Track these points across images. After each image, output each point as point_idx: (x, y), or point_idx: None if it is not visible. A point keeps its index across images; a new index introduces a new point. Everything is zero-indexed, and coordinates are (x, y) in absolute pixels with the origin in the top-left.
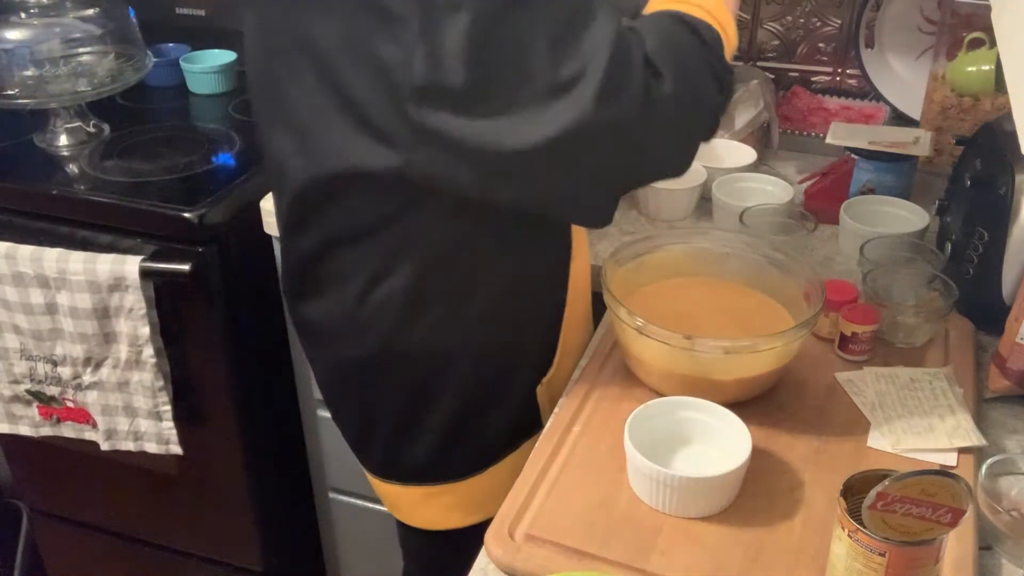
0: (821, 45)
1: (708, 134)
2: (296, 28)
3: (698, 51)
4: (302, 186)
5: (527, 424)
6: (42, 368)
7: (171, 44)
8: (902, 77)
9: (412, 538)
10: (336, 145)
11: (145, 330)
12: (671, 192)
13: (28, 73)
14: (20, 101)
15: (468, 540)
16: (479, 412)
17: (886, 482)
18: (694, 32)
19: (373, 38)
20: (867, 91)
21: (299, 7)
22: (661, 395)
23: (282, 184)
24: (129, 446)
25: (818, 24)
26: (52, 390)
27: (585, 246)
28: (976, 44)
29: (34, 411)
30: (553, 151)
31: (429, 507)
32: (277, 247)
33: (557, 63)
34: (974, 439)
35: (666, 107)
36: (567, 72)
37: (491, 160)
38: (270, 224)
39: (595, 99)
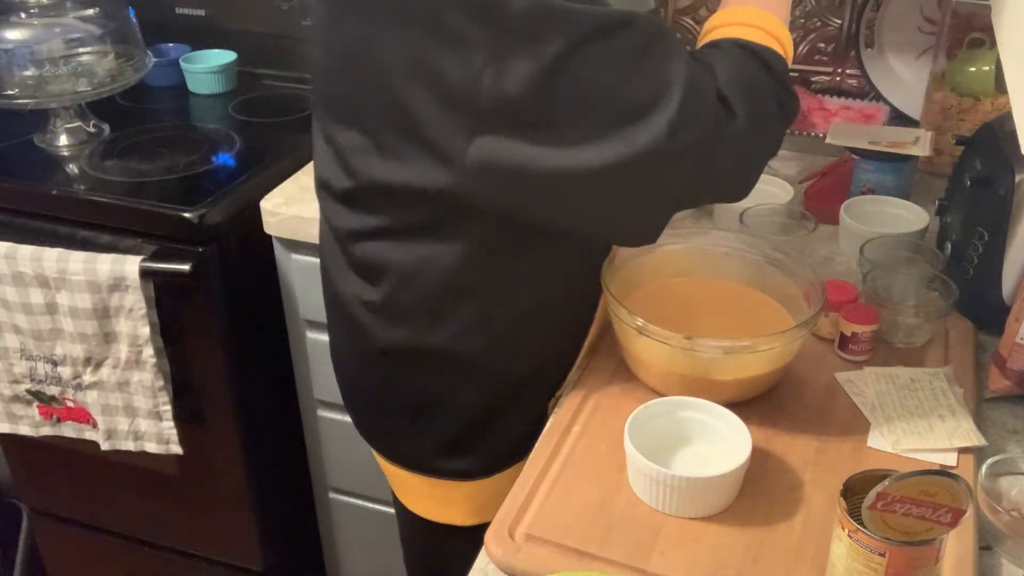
0: (821, 45)
1: (769, 159)
2: (366, 41)
3: (768, 85)
4: (355, 184)
5: (536, 434)
6: (42, 368)
7: (171, 44)
8: (902, 77)
9: (410, 523)
10: (393, 159)
11: (145, 330)
12: None
13: (28, 73)
14: (20, 101)
15: (466, 540)
16: (491, 418)
17: (886, 482)
18: (764, 65)
19: (440, 60)
20: (867, 91)
21: (371, 21)
22: (661, 395)
23: (334, 172)
24: (129, 446)
25: (818, 24)
26: (52, 390)
27: None
28: (976, 44)
29: (34, 411)
30: (617, 177)
31: (432, 499)
32: (277, 247)
33: (631, 88)
34: (974, 439)
35: (735, 142)
36: (642, 98)
37: (548, 184)
38: (270, 224)
39: (668, 129)
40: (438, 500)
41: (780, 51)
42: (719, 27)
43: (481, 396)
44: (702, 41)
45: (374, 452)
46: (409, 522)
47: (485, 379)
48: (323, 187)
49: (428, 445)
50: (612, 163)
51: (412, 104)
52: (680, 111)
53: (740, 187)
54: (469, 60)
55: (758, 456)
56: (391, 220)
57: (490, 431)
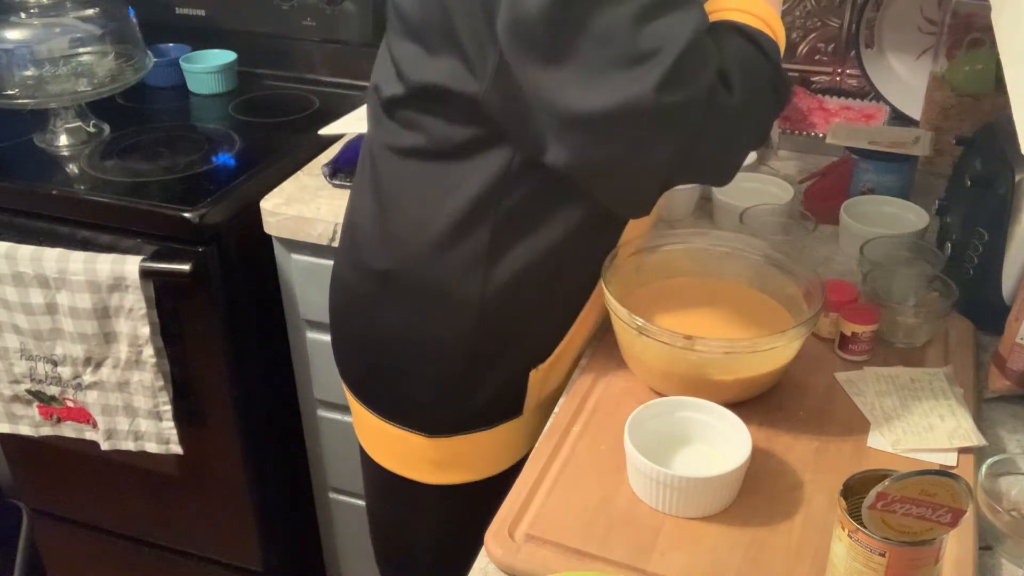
0: (821, 45)
1: (757, 145)
2: None
3: (763, 67)
4: (403, 90)
5: (508, 405)
6: (42, 368)
7: (171, 44)
8: (902, 77)
9: (373, 479)
10: (434, 59)
11: (145, 330)
12: (671, 192)
13: (28, 73)
14: (20, 101)
15: (428, 498)
16: (469, 373)
17: (886, 482)
18: (760, 49)
19: None
20: (867, 91)
21: None
22: (661, 395)
23: (387, 77)
24: (129, 446)
25: (818, 24)
26: (52, 390)
27: None
28: (976, 44)
29: (34, 411)
30: (608, 120)
31: (395, 449)
32: (277, 247)
33: (635, 36)
34: (974, 439)
35: (728, 118)
36: (642, 47)
37: (550, 113)
38: (270, 224)
39: (658, 82)
40: (401, 451)
41: (773, 37)
42: (713, 12)
43: (465, 344)
44: None
45: (347, 393)
46: (373, 478)
47: (473, 326)
48: (374, 91)
49: (402, 390)
50: (601, 108)
51: (452, 6)
52: (674, 68)
53: (726, 168)
54: None
55: (758, 456)
56: (424, 139)
57: (465, 386)
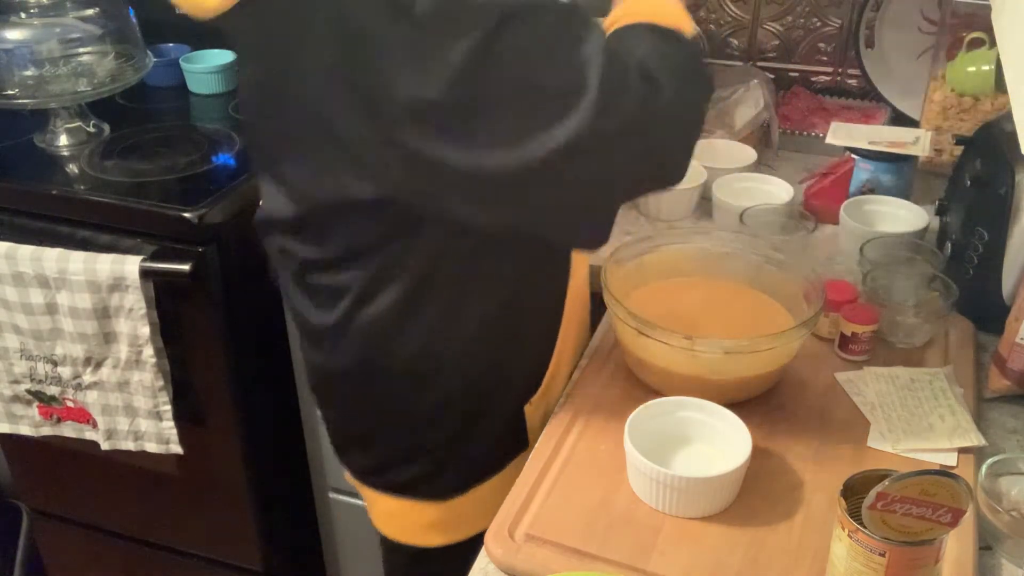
0: (821, 45)
1: (699, 135)
2: (284, 62)
3: (682, 55)
4: (301, 210)
5: (513, 443)
6: (42, 368)
7: (171, 44)
8: (902, 77)
9: (390, 550)
10: (326, 177)
11: (145, 330)
12: (671, 192)
13: (28, 73)
14: (20, 101)
15: (446, 561)
16: (463, 431)
17: (886, 482)
18: (671, 38)
19: (356, 68)
20: (867, 91)
21: (286, 45)
22: (661, 395)
23: (280, 204)
24: (129, 446)
25: (818, 24)
26: (52, 390)
27: (585, 263)
28: (976, 44)
29: (34, 411)
30: (548, 168)
31: (405, 520)
32: None
33: (551, 79)
34: (974, 439)
35: (665, 117)
36: (562, 86)
37: (482, 182)
38: None
39: (593, 113)
40: (412, 522)
41: (683, 25)
42: (625, 16)
43: (449, 407)
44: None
45: (347, 474)
46: (388, 551)
47: (452, 389)
48: (270, 224)
49: (399, 464)
50: (541, 155)
51: (334, 117)
52: (602, 93)
53: (676, 168)
54: (386, 60)
55: (758, 456)
56: (339, 246)
57: (463, 443)
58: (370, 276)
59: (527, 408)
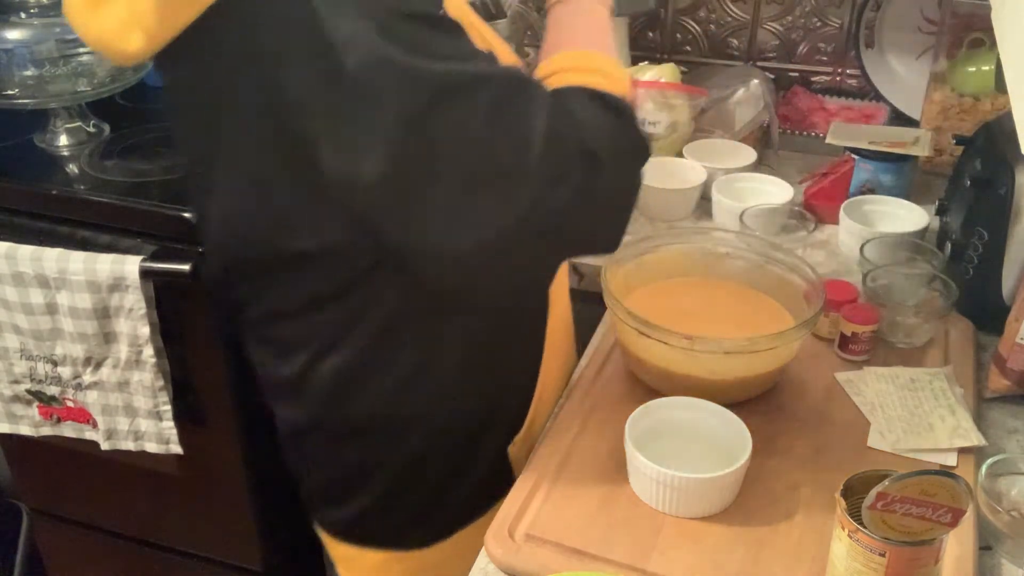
0: (821, 45)
1: (633, 208)
2: (215, 130)
3: (621, 131)
4: (243, 261)
5: (498, 485)
6: (42, 368)
7: None
8: (902, 77)
9: None
10: (266, 229)
11: (145, 330)
12: (671, 192)
13: (28, 73)
14: (20, 101)
15: None
16: (445, 480)
17: (886, 482)
18: (613, 111)
19: (290, 140)
20: (867, 91)
21: (215, 114)
22: (661, 395)
23: (221, 254)
24: (129, 446)
25: (818, 24)
26: (52, 390)
27: (564, 293)
28: (976, 44)
29: (34, 411)
30: (487, 251)
31: (389, 573)
32: None
33: (488, 156)
34: (974, 439)
35: (603, 194)
36: (499, 170)
37: (417, 256)
38: None
39: (532, 197)
40: (398, 572)
41: (621, 91)
42: (559, 72)
43: (423, 459)
44: (542, 74)
45: (317, 529)
46: None
47: (424, 441)
48: (217, 273)
49: (374, 516)
50: (477, 241)
51: (266, 182)
52: (542, 177)
53: (610, 242)
54: (315, 136)
55: (758, 456)
56: (294, 297)
57: (442, 493)
58: (330, 327)
59: (511, 449)
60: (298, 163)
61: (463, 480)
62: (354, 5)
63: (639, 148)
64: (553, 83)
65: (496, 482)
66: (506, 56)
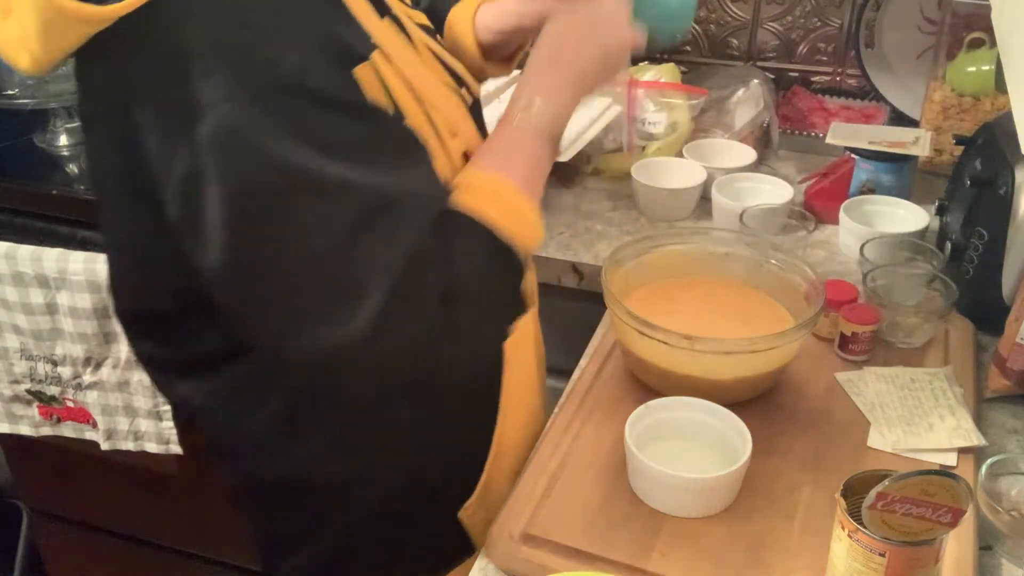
0: (821, 45)
1: (487, 358)
2: (96, 161)
3: (503, 282)
4: (142, 309)
5: (455, 550)
6: (42, 368)
7: None
8: (902, 77)
9: None
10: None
11: None
12: (671, 192)
13: None
14: (20, 101)
15: None
16: (397, 538)
17: (886, 482)
18: (505, 257)
19: (144, 196)
20: (867, 91)
21: (92, 145)
22: (661, 395)
23: (123, 305)
24: (129, 446)
25: (818, 24)
26: (52, 390)
27: (529, 347)
28: (976, 44)
29: (34, 411)
30: (321, 365)
31: None
32: None
33: (324, 272)
34: (974, 439)
35: (448, 346)
36: (335, 285)
37: (267, 354)
38: None
39: (369, 326)
40: None
41: (529, 243)
42: (479, 188)
43: (376, 522)
44: (460, 184)
45: None
46: None
47: (369, 506)
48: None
49: (335, 565)
50: (311, 352)
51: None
52: (385, 310)
53: (476, 361)
54: (162, 199)
55: (758, 456)
56: (191, 351)
57: (402, 549)
58: (240, 388)
59: (462, 515)
60: (161, 226)
61: (416, 541)
62: (233, 68)
63: (511, 302)
64: (464, 194)
65: (453, 547)
66: (433, 91)
